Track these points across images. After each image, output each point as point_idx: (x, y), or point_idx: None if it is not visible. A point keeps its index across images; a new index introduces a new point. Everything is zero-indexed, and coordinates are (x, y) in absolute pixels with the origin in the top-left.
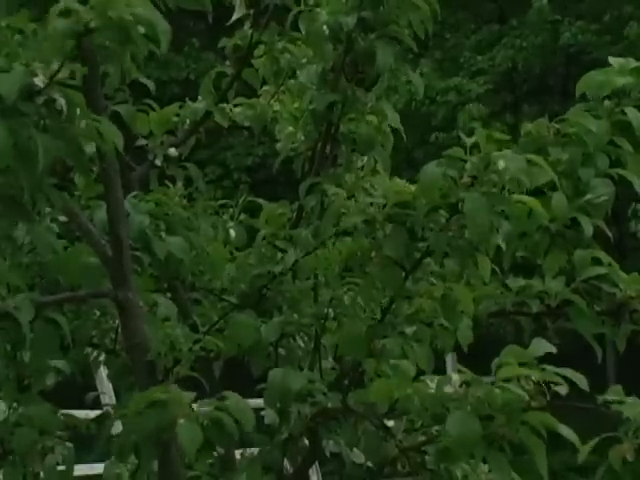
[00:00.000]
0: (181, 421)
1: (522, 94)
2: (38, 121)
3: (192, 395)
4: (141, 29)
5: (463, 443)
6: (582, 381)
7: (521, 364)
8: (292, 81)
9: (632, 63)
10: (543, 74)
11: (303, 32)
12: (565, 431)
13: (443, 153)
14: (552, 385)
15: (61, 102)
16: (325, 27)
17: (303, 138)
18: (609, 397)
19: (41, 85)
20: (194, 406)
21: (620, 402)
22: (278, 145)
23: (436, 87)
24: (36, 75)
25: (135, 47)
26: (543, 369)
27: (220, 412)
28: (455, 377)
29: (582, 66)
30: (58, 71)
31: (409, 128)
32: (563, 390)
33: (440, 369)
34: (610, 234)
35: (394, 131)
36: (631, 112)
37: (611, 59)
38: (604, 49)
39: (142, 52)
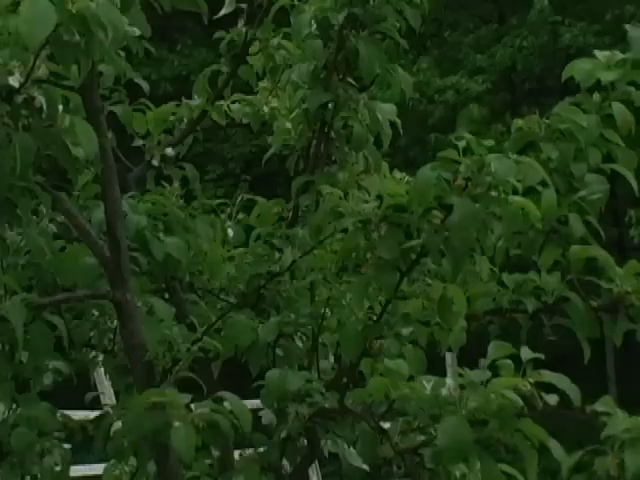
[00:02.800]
0: (176, 424)
1: (521, 94)
2: (17, 120)
3: (188, 397)
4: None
5: (454, 450)
6: (575, 392)
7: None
8: (285, 79)
9: (618, 56)
10: (542, 75)
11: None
12: (553, 445)
13: (437, 155)
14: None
15: (40, 100)
16: (313, 23)
17: (296, 137)
18: (598, 408)
19: (16, 84)
20: (192, 406)
21: (608, 414)
22: (270, 139)
23: (433, 85)
24: (12, 74)
25: (99, 41)
26: (538, 374)
27: (216, 414)
28: (449, 382)
29: None
30: (32, 68)
31: (405, 127)
32: (553, 400)
33: (440, 370)
34: (601, 231)
35: (392, 128)
36: (616, 107)
37: (597, 52)
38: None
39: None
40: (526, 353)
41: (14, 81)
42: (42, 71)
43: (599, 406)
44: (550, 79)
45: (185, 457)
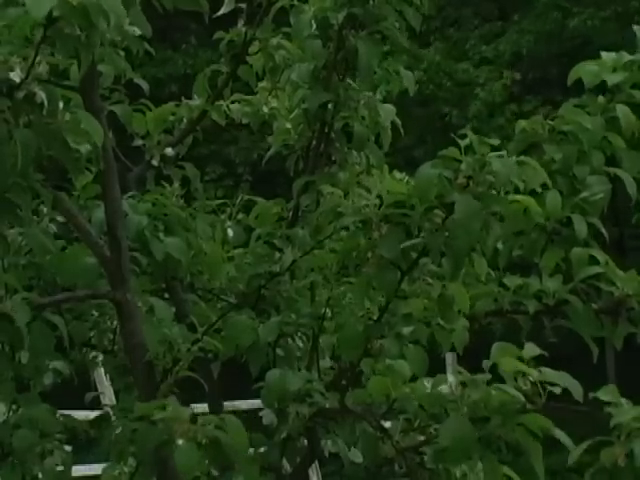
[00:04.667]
0: (180, 442)
1: (526, 83)
2: (18, 116)
3: (190, 411)
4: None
5: (458, 448)
6: (577, 389)
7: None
8: (284, 79)
9: (625, 57)
10: (547, 63)
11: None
12: (560, 435)
13: (438, 153)
14: (547, 386)
15: (41, 96)
16: (313, 22)
17: (297, 137)
18: (601, 397)
19: (17, 80)
20: (194, 407)
21: (614, 404)
22: (269, 139)
23: (441, 70)
24: (12, 70)
25: (101, 34)
26: (540, 371)
27: (218, 430)
28: (451, 378)
29: (587, 57)
30: (33, 63)
31: (409, 125)
32: (557, 390)
33: (441, 370)
34: (606, 233)
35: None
36: (621, 109)
37: (603, 54)
38: (610, 38)
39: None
40: (530, 350)
41: (15, 76)
42: (43, 67)
43: (602, 395)
44: (555, 68)
45: (187, 476)
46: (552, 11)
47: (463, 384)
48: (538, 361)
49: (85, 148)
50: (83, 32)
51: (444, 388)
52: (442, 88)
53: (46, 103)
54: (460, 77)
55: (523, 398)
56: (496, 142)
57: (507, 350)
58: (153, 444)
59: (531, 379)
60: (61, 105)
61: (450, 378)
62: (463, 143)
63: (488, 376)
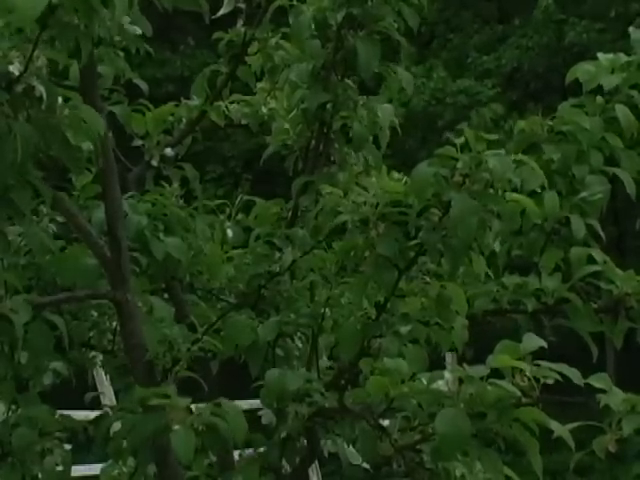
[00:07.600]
0: (176, 427)
1: (527, 94)
2: (17, 110)
3: (188, 400)
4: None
5: (452, 441)
6: (576, 375)
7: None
8: (283, 79)
9: (622, 58)
10: (547, 74)
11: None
12: (555, 426)
13: (435, 152)
14: (543, 378)
15: (40, 89)
16: (311, 23)
17: (295, 137)
18: (593, 383)
19: (16, 73)
20: (192, 407)
21: (604, 391)
22: (268, 139)
23: (446, 90)
24: (11, 63)
25: (100, 20)
26: (537, 364)
27: (215, 417)
28: (447, 375)
29: None
30: (31, 55)
31: (412, 129)
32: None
33: (440, 369)
34: (602, 234)
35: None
36: (620, 109)
37: (600, 55)
38: (607, 48)
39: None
40: (530, 340)
41: (14, 69)
42: (41, 61)
43: (594, 381)
44: (555, 78)
45: (184, 460)
46: (550, 25)
47: (460, 380)
48: (538, 357)
49: (86, 145)
50: (82, 21)
51: (441, 384)
52: (445, 105)
53: (45, 97)
54: (462, 100)
55: (519, 393)
56: (493, 137)
57: (509, 348)
58: (149, 431)
59: (527, 374)
60: (60, 100)
61: (447, 373)
62: (459, 141)
63: (485, 371)
